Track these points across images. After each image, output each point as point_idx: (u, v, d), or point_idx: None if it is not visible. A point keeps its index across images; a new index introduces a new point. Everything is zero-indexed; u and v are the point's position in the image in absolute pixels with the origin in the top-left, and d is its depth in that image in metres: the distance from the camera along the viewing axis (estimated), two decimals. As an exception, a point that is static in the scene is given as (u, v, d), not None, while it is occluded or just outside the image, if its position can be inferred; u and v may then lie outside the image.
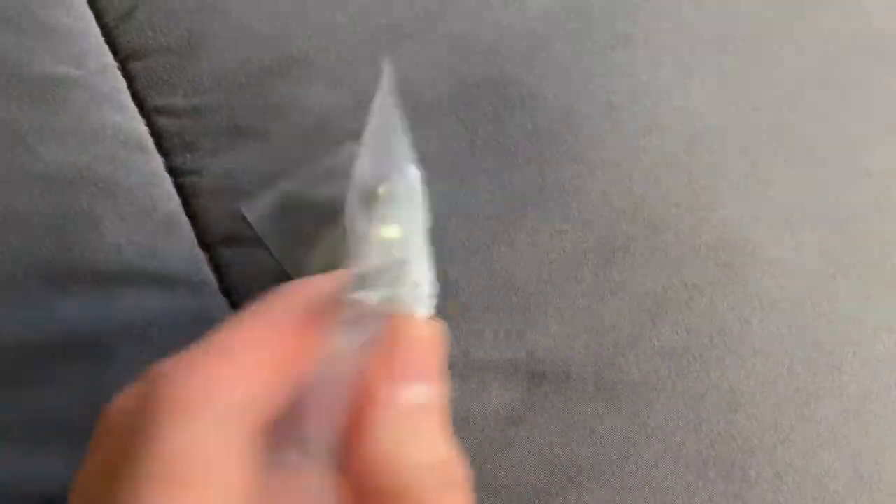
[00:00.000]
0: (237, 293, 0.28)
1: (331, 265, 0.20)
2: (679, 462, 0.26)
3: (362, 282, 0.16)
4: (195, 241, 0.28)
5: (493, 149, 0.30)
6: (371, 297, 0.16)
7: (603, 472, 0.25)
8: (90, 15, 0.31)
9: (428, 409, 0.15)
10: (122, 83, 0.30)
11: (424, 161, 0.29)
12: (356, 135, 0.22)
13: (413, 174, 0.22)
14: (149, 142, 0.29)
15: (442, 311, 0.26)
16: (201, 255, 0.28)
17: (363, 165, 0.20)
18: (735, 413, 0.27)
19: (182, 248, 0.28)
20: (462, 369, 0.26)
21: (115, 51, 0.31)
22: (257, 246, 0.27)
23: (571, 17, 0.33)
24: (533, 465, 0.25)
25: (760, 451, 0.27)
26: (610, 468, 0.25)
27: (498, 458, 0.25)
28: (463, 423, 0.25)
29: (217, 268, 0.28)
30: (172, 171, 0.29)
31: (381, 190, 0.20)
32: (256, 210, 0.27)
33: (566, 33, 0.33)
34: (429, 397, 0.15)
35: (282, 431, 0.15)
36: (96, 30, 0.31)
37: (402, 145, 0.21)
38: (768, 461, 0.27)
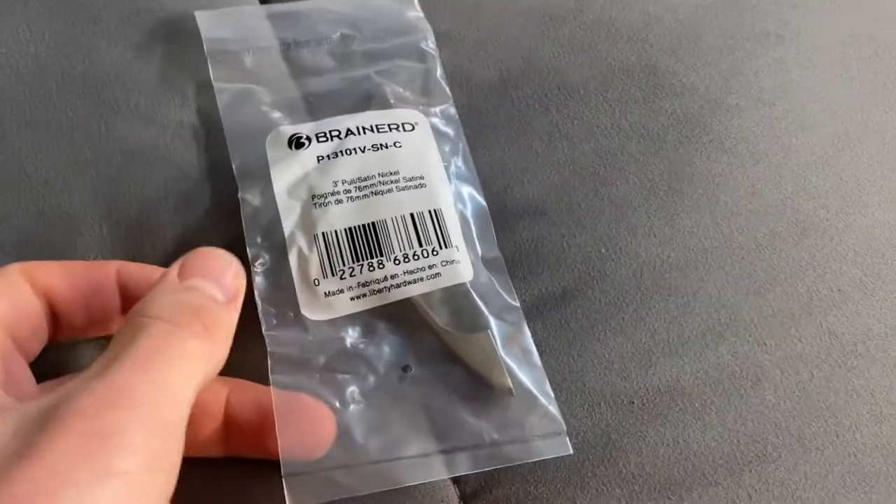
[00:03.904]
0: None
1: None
2: (819, 467, 0.25)
3: None
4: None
5: (641, 133, 0.29)
6: None
7: (739, 470, 0.25)
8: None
9: (196, 294, 0.19)
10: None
11: (569, 142, 0.29)
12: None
13: None
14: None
15: (589, 292, 0.26)
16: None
17: None
18: (880, 424, 0.26)
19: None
20: (594, 354, 0.26)
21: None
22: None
23: (721, 10, 0.32)
24: (667, 456, 0.25)
25: (905, 463, 0.25)
26: (747, 466, 0.25)
27: (631, 445, 0.25)
28: (596, 406, 0.25)
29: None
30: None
31: None
32: None
33: (716, 26, 0.32)
34: (199, 287, 0.19)
35: None
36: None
37: None
38: (913, 475, 0.25)
